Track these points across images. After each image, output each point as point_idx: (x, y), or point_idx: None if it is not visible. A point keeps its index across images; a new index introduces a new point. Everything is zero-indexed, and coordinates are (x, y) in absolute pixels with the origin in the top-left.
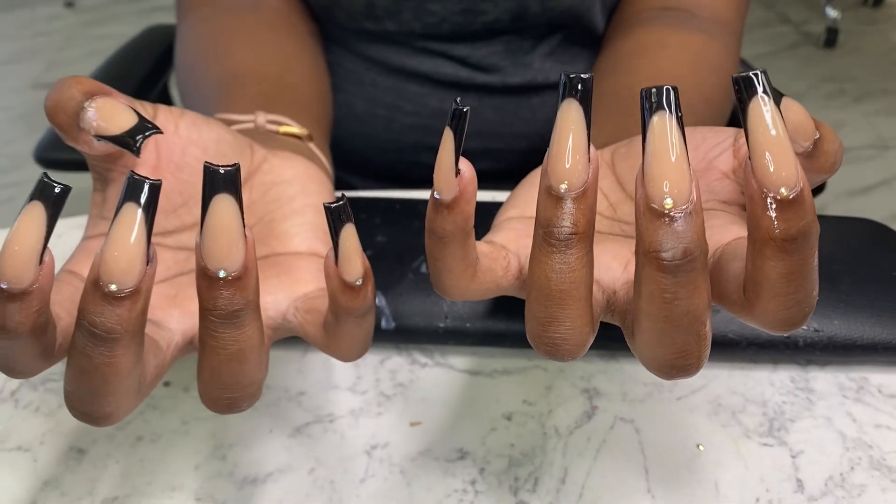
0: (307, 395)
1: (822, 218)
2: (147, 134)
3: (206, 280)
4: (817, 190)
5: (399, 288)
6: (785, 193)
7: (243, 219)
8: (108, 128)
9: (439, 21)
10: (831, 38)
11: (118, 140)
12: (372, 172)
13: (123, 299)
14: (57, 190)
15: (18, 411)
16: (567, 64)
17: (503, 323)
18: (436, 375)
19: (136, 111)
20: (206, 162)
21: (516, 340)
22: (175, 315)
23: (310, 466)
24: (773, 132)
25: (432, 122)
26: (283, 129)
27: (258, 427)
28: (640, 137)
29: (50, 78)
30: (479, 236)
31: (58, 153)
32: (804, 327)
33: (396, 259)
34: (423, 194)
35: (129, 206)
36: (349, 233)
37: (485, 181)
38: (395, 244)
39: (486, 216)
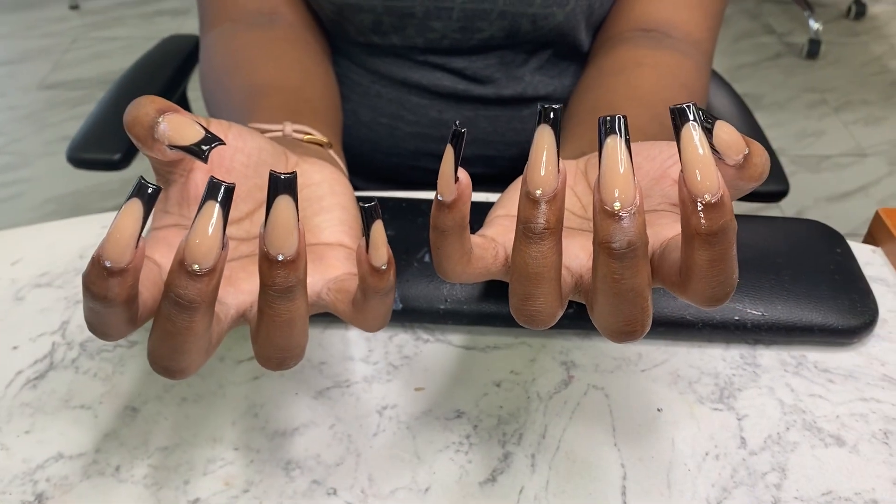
0: (327, 364)
1: (776, 220)
2: (214, 145)
3: (268, 262)
4: (774, 196)
5: (406, 275)
6: (708, 199)
7: (298, 215)
8: (179, 139)
9: (440, 37)
10: (814, 49)
11: (189, 149)
12: (376, 175)
13: (203, 276)
14: (150, 190)
15: (79, 377)
16: (555, 78)
17: (494, 306)
18: (436, 349)
19: (201, 125)
20: (271, 170)
21: (505, 321)
22: (231, 292)
23: (330, 423)
24: (700, 151)
25: (431, 130)
26: (307, 137)
27: (286, 390)
28: None
29: (56, 78)
30: (473, 230)
31: (86, 153)
32: (752, 311)
33: (404, 250)
34: (426, 195)
35: (210, 203)
36: (378, 227)
37: (479, 184)
38: (403, 238)
39: (480, 214)
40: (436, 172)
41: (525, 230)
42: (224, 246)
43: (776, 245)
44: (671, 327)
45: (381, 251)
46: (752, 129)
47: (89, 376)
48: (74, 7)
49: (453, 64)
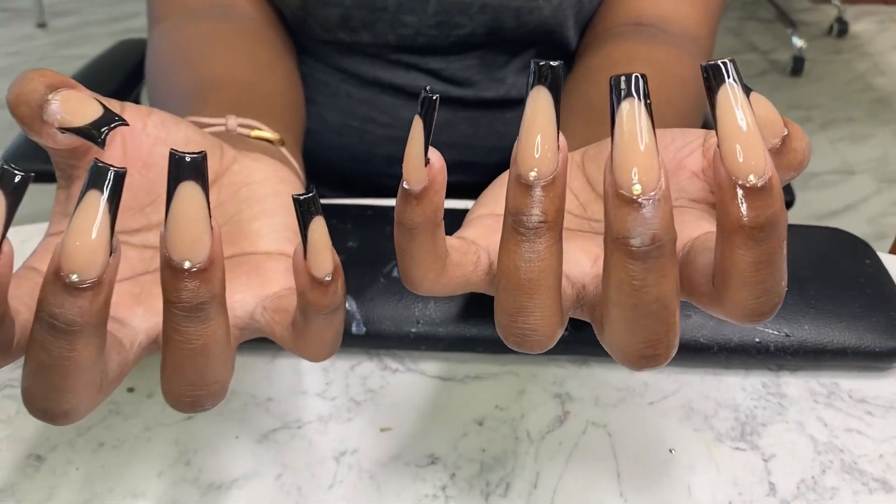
0: (275, 400)
1: (794, 226)
2: (112, 125)
3: (171, 271)
4: (786, 201)
5: (370, 293)
6: (753, 181)
7: (210, 209)
8: (73, 120)
9: (414, 33)
10: (798, 66)
11: (83, 132)
12: (345, 184)
13: (85, 290)
14: (17, 178)
15: None
16: None
17: (475, 328)
18: (407, 381)
19: (101, 103)
20: (171, 149)
21: (488, 345)
22: (139, 313)
23: (277, 472)
24: (742, 120)
25: (406, 134)
26: (254, 133)
27: (224, 433)
28: (607, 140)
29: None
30: (450, 234)
31: (26, 163)
32: (775, 332)
33: (368, 264)
34: (394, 202)
35: (93, 194)
36: (318, 225)
37: (458, 193)
38: (367, 249)
39: (458, 224)
40: None
41: (515, 224)
42: (114, 251)
43: (797, 255)
44: (682, 351)
45: (324, 256)
46: None
47: None
48: (42, 25)
49: (429, 65)
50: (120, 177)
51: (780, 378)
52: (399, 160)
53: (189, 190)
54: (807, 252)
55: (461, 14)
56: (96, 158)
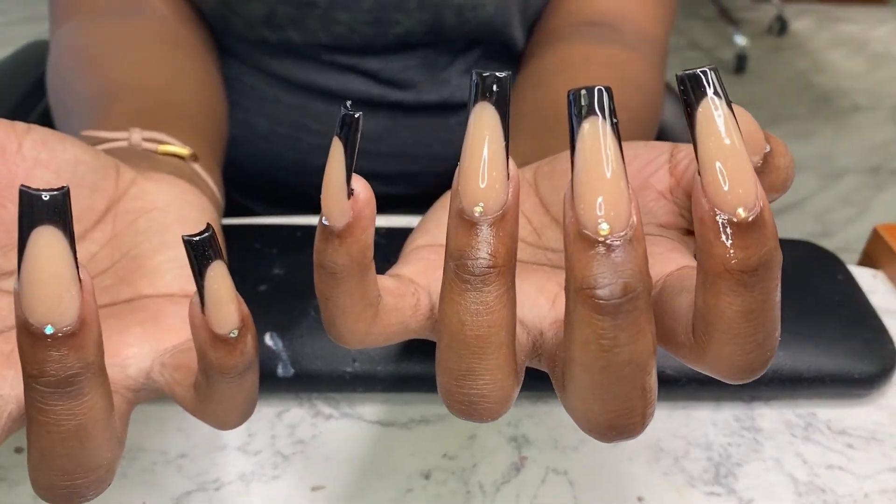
0: (188, 457)
1: None
2: None
3: (30, 338)
4: None
5: (299, 328)
6: (743, 215)
7: (76, 257)
8: None
9: (348, 32)
10: (741, 64)
11: None
12: (276, 197)
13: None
14: None
15: None
16: None
17: (419, 365)
18: (342, 428)
19: None
20: (22, 186)
21: (435, 384)
22: (9, 378)
23: None
24: (727, 141)
25: None
26: (161, 147)
27: (129, 499)
28: (564, 154)
29: None
30: (384, 269)
31: None
32: None
33: (296, 294)
34: None
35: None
36: (218, 273)
37: (399, 207)
38: (295, 277)
39: (400, 245)
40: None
41: (458, 269)
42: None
43: None
44: None
45: (227, 309)
46: None
47: None
48: None
49: (366, 65)
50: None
51: (754, 410)
52: None
53: (46, 237)
54: None
55: (398, 11)
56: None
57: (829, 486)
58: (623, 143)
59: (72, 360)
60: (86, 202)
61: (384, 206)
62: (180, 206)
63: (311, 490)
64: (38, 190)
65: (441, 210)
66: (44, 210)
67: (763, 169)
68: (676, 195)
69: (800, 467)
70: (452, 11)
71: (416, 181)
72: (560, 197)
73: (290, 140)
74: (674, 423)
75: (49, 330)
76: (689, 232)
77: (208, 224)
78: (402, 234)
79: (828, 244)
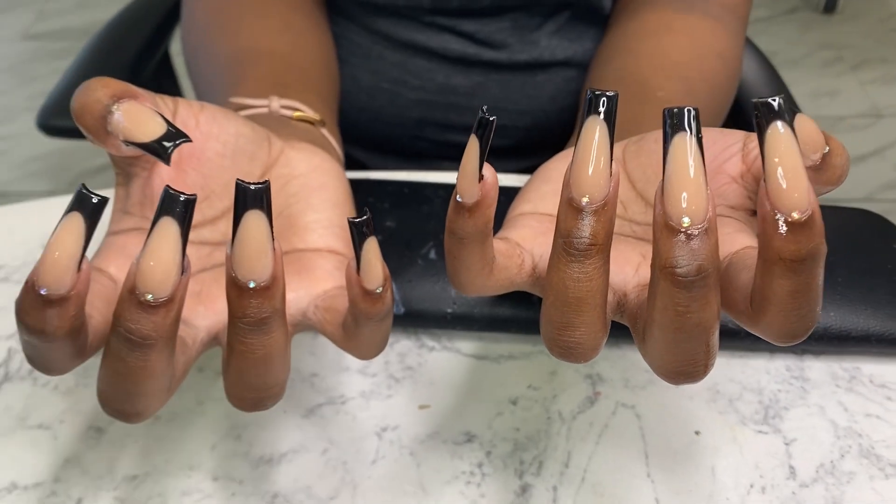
0: (319, 376)
1: (825, 209)
2: (178, 142)
3: (237, 289)
4: None
5: (408, 274)
6: (797, 217)
7: (273, 232)
8: (136, 134)
9: None
10: (831, 3)
11: (148, 147)
12: (376, 146)
13: (158, 307)
14: (94, 200)
15: (37, 389)
16: (574, 41)
17: (509, 309)
18: (443, 359)
19: (163, 117)
20: (238, 179)
21: (521, 326)
22: (201, 312)
23: (323, 447)
24: (791, 158)
25: (438, 97)
26: (297, 114)
27: (273, 408)
28: (650, 135)
29: (40, 28)
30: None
31: (61, 120)
32: None
33: (405, 245)
34: (430, 176)
35: (165, 220)
36: (371, 245)
37: (489, 156)
38: (405, 230)
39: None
40: (441, 143)
41: (566, 245)
42: (184, 270)
43: (827, 239)
44: None
45: (376, 272)
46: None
47: (49, 389)
48: None
49: (463, 27)
50: (190, 203)
51: (804, 362)
52: (429, 123)
53: (254, 217)
54: (837, 237)
55: None
56: (168, 185)
57: (866, 432)
58: (703, 130)
59: (265, 307)
60: (246, 167)
61: None
62: (320, 173)
63: (418, 408)
64: (248, 183)
65: (538, 181)
66: (251, 197)
67: (821, 166)
68: (746, 181)
69: (841, 414)
70: None
71: (505, 133)
72: (645, 174)
73: (391, 94)
74: (731, 369)
75: (251, 284)
76: (755, 213)
77: (366, 209)
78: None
79: None
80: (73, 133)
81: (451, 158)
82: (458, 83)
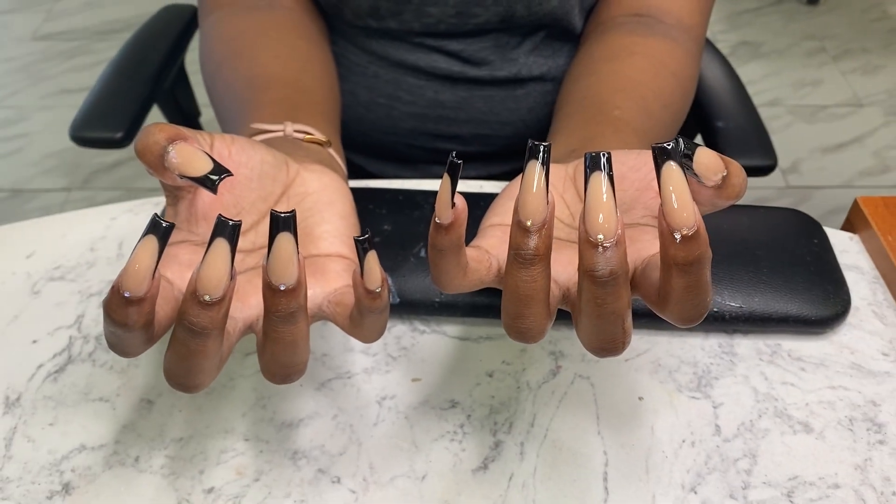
0: (329, 355)
1: (759, 209)
2: (223, 177)
3: (271, 291)
4: (763, 171)
5: (402, 270)
6: (685, 232)
7: (298, 248)
8: (188, 170)
9: (436, 22)
10: None
11: (199, 180)
12: (374, 152)
13: (214, 305)
14: (164, 226)
15: (96, 370)
16: (549, 58)
17: (486, 299)
18: (432, 340)
19: (208, 155)
20: (272, 210)
21: (497, 312)
22: (238, 307)
23: (333, 413)
24: (679, 187)
25: (428, 110)
26: (307, 138)
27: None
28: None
29: (49, 29)
30: (469, 229)
31: (92, 132)
32: (731, 304)
33: (400, 245)
34: (422, 184)
35: (219, 240)
36: (371, 256)
37: (474, 162)
38: (399, 232)
39: (473, 207)
40: (432, 150)
41: (516, 256)
42: (232, 277)
43: (756, 237)
44: (654, 318)
45: (375, 276)
46: (738, 97)
47: (105, 369)
48: None
49: (449, 47)
50: (237, 227)
51: (734, 340)
52: (421, 133)
53: (284, 238)
54: (764, 233)
55: (477, 6)
56: (220, 214)
57: (781, 397)
58: (637, 152)
59: (293, 303)
60: (269, 188)
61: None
62: (329, 190)
63: (411, 381)
64: (280, 213)
65: (505, 198)
66: (282, 223)
67: (722, 185)
68: None
69: (762, 382)
70: (522, 5)
71: (488, 142)
72: None
73: (386, 108)
74: (671, 346)
75: (282, 287)
76: None
77: (367, 230)
78: (473, 198)
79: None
80: (101, 143)
81: (441, 163)
82: (446, 98)
